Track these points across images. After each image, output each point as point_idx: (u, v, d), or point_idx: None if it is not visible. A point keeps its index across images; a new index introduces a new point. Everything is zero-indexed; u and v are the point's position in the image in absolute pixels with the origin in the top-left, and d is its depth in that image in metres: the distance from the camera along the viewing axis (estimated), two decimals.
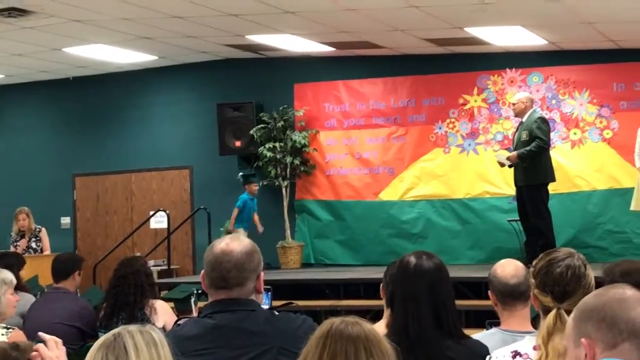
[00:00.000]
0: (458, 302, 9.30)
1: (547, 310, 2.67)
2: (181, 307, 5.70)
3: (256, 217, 10.74)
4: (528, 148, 8.88)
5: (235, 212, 10.58)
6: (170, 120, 12.48)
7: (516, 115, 9.35)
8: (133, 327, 2.13)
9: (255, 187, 10.73)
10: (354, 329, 2.15)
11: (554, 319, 2.61)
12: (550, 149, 9.31)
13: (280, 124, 11.46)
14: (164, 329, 5.01)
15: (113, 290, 5.40)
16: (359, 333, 2.14)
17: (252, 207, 10.73)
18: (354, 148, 11.57)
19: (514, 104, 9.28)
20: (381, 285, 3.63)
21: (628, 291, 2.00)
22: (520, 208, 9.15)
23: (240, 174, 11.08)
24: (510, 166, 9.16)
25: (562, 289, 2.67)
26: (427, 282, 3.05)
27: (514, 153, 9.04)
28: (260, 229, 10.59)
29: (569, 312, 2.61)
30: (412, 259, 3.13)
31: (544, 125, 9.03)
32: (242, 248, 2.94)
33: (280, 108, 11.57)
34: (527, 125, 8.99)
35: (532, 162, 8.93)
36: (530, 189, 9.00)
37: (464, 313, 8.43)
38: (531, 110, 9.14)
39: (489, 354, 3.01)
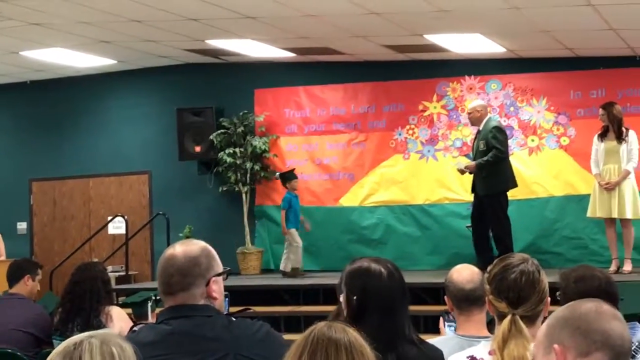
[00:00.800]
0: (417, 308, 9.37)
1: (502, 316, 2.68)
2: (138, 313, 5.65)
3: (301, 216, 10.53)
4: (486, 158, 9.00)
5: (282, 214, 10.34)
6: (129, 125, 12.38)
7: (472, 124, 9.46)
8: (96, 339, 2.00)
9: (296, 184, 10.48)
10: (337, 332, 2.13)
11: (509, 324, 2.61)
12: (509, 156, 9.42)
13: (240, 130, 11.44)
14: None
15: (68, 295, 5.33)
16: (342, 337, 2.12)
17: (298, 205, 10.48)
18: (314, 154, 11.58)
19: (469, 113, 9.41)
20: (342, 294, 3.55)
21: (604, 305, 2.09)
22: (475, 213, 9.27)
23: (278, 173, 10.78)
24: (470, 172, 9.25)
25: (516, 294, 2.68)
26: (397, 291, 3.04)
27: (473, 163, 9.15)
28: (308, 225, 10.48)
29: (523, 318, 2.63)
30: (377, 267, 3.08)
31: (500, 134, 9.13)
32: (186, 253, 2.91)
33: (241, 113, 11.54)
34: (484, 135, 9.10)
35: (491, 171, 9.03)
36: (490, 198, 9.12)
37: (422, 318, 8.48)
38: (487, 118, 9.25)
39: (443, 358, 3.03)
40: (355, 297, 2.97)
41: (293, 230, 10.23)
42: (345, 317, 3.01)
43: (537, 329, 2.68)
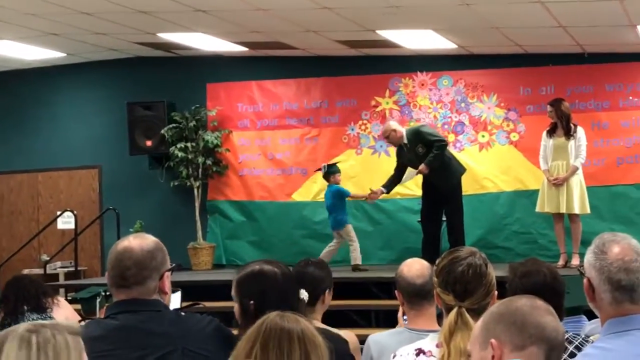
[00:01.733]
0: (369, 302, 9.41)
1: (449, 309, 2.70)
2: (87, 309, 5.59)
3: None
4: (432, 155, 9.18)
5: (351, 194, 10.05)
6: (79, 119, 12.22)
7: (395, 144, 9.63)
8: (48, 329, 1.94)
9: (339, 177, 10.13)
10: (290, 323, 2.12)
11: (456, 317, 2.63)
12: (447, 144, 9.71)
13: (192, 124, 11.35)
14: None
15: (11, 288, 5.29)
16: (294, 327, 2.10)
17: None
18: (267, 149, 11.55)
19: (386, 137, 9.67)
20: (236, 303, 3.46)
21: (538, 301, 2.13)
22: (426, 215, 9.59)
23: (324, 164, 10.30)
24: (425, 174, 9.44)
25: (463, 287, 2.69)
26: (293, 290, 3.04)
27: (422, 166, 9.28)
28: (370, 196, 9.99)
29: (470, 311, 2.65)
30: (271, 269, 3.08)
31: (427, 128, 9.68)
32: (143, 246, 2.89)
33: (193, 108, 11.46)
34: (416, 141, 9.37)
35: (442, 164, 9.24)
36: (452, 189, 9.40)
37: (374, 313, 8.52)
38: (403, 132, 9.52)
39: (347, 348, 3.06)
40: (252, 302, 2.95)
41: (349, 226, 9.94)
42: (241, 324, 2.97)
43: None
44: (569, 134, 9.03)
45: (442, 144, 9.35)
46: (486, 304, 2.72)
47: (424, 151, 9.29)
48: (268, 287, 2.99)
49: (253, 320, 2.67)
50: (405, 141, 9.44)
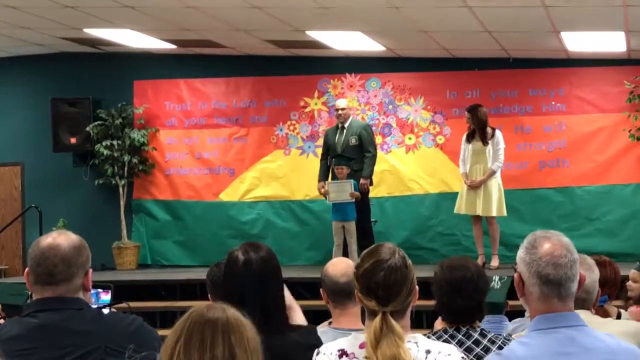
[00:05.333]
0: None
1: (372, 313, 2.63)
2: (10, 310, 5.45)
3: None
4: (369, 169, 9.53)
5: None
6: (1, 115, 11.93)
7: (342, 121, 9.67)
8: None
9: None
10: (215, 313, 2.05)
11: (381, 323, 2.56)
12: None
13: (118, 122, 11.20)
14: None
15: None
16: (219, 317, 2.04)
17: None
18: (194, 148, 11.46)
19: (342, 109, 9.64)
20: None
21: None
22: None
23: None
24: (367, 188, 9.57)
25: (386, 293, 2.62)
26: (256, 278, 3.03)
27: (367, 181, 9.48)
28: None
29: (393, 314, 2.60)
30: (240, 255, 3.11)
31: (373, 134, 9.94)
32: (69, 243, 2.86)
33: (119, 105, 11.30)
34: (355, 130, 9.61)
35: (359, 167, 9.53)
36: (366, 191, 9.59)
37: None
38: (351, 116, 9.87)
39: (317, 339, 3.03)
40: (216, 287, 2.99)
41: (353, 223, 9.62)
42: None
43: (407, 320, 2.70)
44: (485, 139, 9.21)
45: (375, 155, 9.68)
46: (409, 303, 2.68)
47: (355, 144, 9.52)
48: (226, 277, 3.06)
49: None
50: (346, 125, 9.64)
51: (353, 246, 9.37)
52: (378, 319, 2.58)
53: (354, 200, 9.31)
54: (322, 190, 9.70)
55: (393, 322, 2.57)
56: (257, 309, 2.93)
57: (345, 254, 9.13)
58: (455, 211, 9.49)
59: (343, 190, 9.38)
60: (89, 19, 9.34)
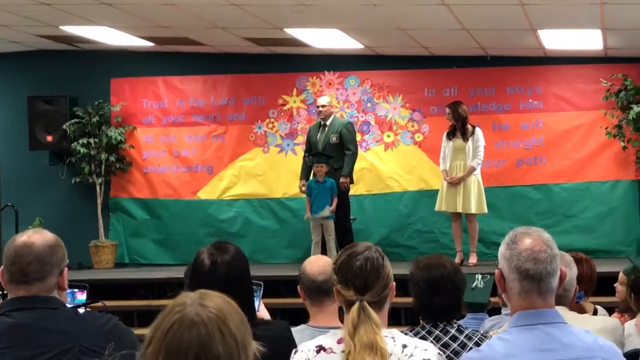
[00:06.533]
0: (274, 301, 9.38)
1: (349, 304, 2.72)
2: None
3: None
4: (348, 169, 9.49)
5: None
6: None
7: (323, 118, 9.67)
8: None
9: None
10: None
11: (358, 311, 2.65)
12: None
13: (95, 119, 11.12)
14: None
15: None
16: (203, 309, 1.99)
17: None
18: (172, 146, 11.41)
19: (323, 106, 9.63)
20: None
21: None
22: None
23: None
24: (347, 187, 9.56)
25: (363, 281, 2.72)
26: (222, 281, 3.00)
27: (347, 180, 9.47)
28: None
29: (370, 304, 2.69)
30: (206, 260, 3.09)
31: (354, 132, 9.86)
32: (44, 241, 2.84)
33: (96, 103, 11.23)
34: (337, 128, 9.60)
35: (339, 166, 9.51)
36: (346, 190, 9.60)
37: (280, 311, 8.51)
38: (334, 114, 9.84)
39: (289, 333, 3.06)
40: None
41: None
42: None
43: (384, 315, 2.75)
44: (465, 136, 9.26)
45: (356, 153, 9.67)
46: (386, 296, 2.77)
47: (336, 142, 9.53)
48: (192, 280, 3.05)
49: None
50: (328, 122, 9.64)
51: (331, 243, 9.36)
52: (356, 306, 2.66)
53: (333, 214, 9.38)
54: (303, 188, 9.70)
55: (370, 310, 2.66)
56: None
57: (324, 251, 9.12)
58: (436, 209, 9.53)
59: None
60: (65, 17, 9.27)
